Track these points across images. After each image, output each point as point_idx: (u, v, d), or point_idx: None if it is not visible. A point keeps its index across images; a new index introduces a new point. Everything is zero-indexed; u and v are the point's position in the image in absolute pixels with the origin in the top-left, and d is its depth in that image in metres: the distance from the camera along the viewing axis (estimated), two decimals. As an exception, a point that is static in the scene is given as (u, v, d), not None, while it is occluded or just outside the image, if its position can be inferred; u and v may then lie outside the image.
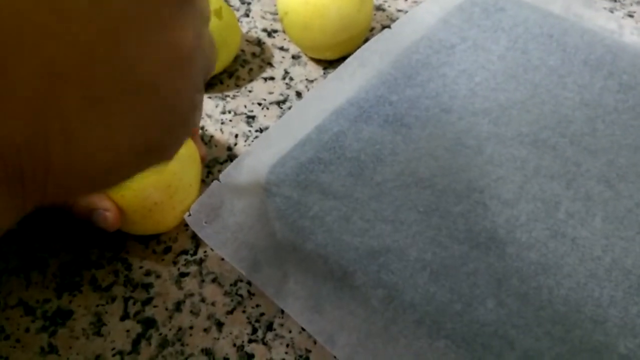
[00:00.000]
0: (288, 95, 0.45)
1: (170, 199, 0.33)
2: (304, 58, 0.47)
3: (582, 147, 0.37)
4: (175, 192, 0.34)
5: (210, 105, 0.44)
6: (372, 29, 0.49)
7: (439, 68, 0.42)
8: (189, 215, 0.33)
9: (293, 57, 0.48)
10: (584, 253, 0.32)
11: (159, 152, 0.21)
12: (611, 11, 0.50)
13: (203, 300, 0.34)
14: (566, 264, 0.32)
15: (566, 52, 0.42)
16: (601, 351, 0.28)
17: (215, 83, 0.46)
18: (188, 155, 0.34)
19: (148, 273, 0.35)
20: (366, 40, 0.44)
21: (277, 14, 0.51)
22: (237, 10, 0.51)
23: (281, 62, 0.47)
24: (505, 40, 0.43)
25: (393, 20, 0.50)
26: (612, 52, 0.42)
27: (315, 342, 0.32)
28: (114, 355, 0.31)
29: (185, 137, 0.22)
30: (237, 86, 0.46)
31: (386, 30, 0.43)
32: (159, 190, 0.33)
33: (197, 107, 0.22)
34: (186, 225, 0.36)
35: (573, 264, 0.32)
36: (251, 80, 0.46)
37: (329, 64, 0.47)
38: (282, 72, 0.46)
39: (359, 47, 0.42)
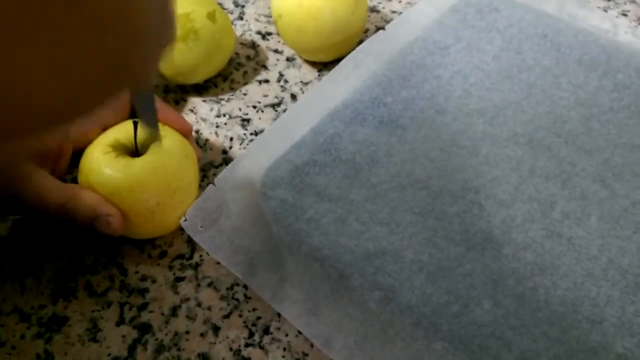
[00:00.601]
0: (283, 98, 0.45)
1: (170, 200, 0.33)
2: (299, 60, 0.47)
3: (577, 146, 0.37)
4: (175, 192, 0.33)
5: (205, 108, 0.44)
6: (366, 31, 0.49)
7: (434, 69, 0.42)
8: (185, 220, 0.33)
9: (287, 59, 0.48)
10: (580, 253, 0.32)
11: (125, 72, 0.18)
12: (605, 10, 0.50)
13: (199, 304, 0.34)
14: (562, 264, 0.32)
15: (560, 52, 0.42)
16: (598, 351, 0.28)
17: (210, 86, 0.46)
18: (185, 155, 0.34)
19: (144, 278, 0.35)
20: (360, 42, 0.43)
21: (271, 16, 0.51)
22: (231, 13, 0.51)
23: (276, 64, 0.47)
24: (500, 41, 0.43)
25: (387, 22, 0.50)
26: (607, 52, 0.42)
27: (312, 346, 0.32)
28: (110, 361, 0.31)
29: (159, 54, 0.19)
30: (232, 89, 0.45)
31: (380, 31, 0.43)
32: (159, 191, 0.33)
33: (167, 17, 0.19)
34: (182, 229, 0.36)
35: (569, 264, 0.32)
36: (246, 83, 0.46)
37: (324, 66, 0.47)
38: (277, 75, 0.46)
39: (353, 49, 0.42)
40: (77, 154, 0.35)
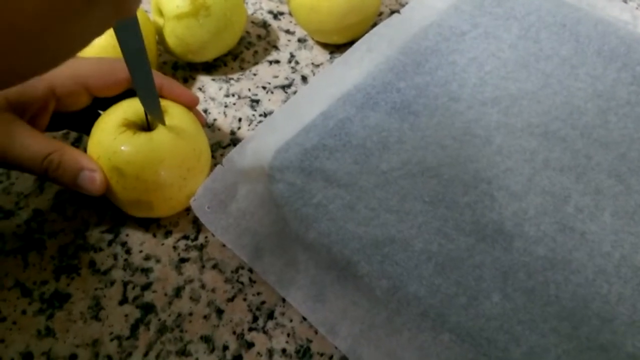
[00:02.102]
0: (293, 80, 0.44)
1: (198, 163, 0.33)
2: (310, 42, 0.46)
3: (593, 139, 0.36)
4: (200, 155, 0.33)
5: (213, 87, 0.43)
6: (380, 14, 0.48)
7: (449, 55, 0.41)
8: (194, 200, 0.33)
9: (299, 40, 0.47)
10: (593, 248, 0.31)
11: None
12: (625, 1, 0.49)
13: (203, 286, 0.33)
14: (574, 259, 0.31)
15: (579, 42, 0.41)
16: (608, 349, 0.28)
17: (219, 65, 0.45)
18: (193, 120, 0.34)
19: (148, 257, 0.34)
20: (374, 24, 0.43)
21: (283, -5, 0.50)
22: (243, -10, 0.50)
23: (287, 45, 0.46)
24: (517, 29, 0.42)
25: (402, 5, 0.49)
26: (626, 44, 0.41)
27: (316, 332, 0.31)
28: (111, 340, 0.31)
29: None
30: (242, 69, 0.45)
31: (395, 15, 0.42)
32: (188, 156, 0.32)
33: None
34: (187, 209, 0.35)
35: (581, 260, 0.31)
36: (256, 64, 0.45)
37: (336, 48, 0.46)
38: (288, 56, 0.45)
39: (366, 31, 0.41)
40: (59, 115, 0.34)
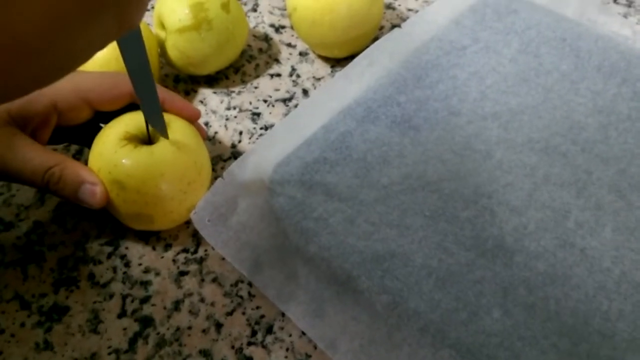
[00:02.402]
0: (294, 93, 0.44)
1: (199, 176, 0.33)
2: (312, 55, 0.47)
3: (593, 154, 0.36)
4: (201, 169, 0.33)
5: (215, 100, 0.43)
6: (381, 28, 0.49)
7: (449, 70, 0.41)
8: (195, 213, 0.33)
9: (300, 54, 0.47)
10: (593, 264, 0.31)
11: (109, 1, 0.17)
12: (625, 17, 0.49)
13: (202, 300, 0.33)
14: (575, 274, 0.31)
15: (579, 57, 0.42)
16: (609, 366, 0.28)
17: (221, 78, 0.45)
18: (195, 134, 0.34)
19: (147, 270, 0.34)
20: (375, 39, 0.43)
21: (285, 9, 0.50)
22: (245, 4, 0.51)
23: (288, 58, 0.46)
24: (517, 43, 0.42)
25: (403, 20, 0.49)
26: (626, 59, 0.41)
27: (315, 347, 0.31)
28: (109, 354, 0.31)
29: None
30: (243, 82, 0.45)
31: (396, 29, 0.42)
32: (188, 170, 0.32)
33: None
34: (187, 222, 0.35)
35: (582, 275, 0.31)
36: (257, 77, 0.45)
37: (337, 62, 0.46)
38: (289, 69, 0.46)
39: (367, 45, 0.42)
40: (60, 129, 0.34)
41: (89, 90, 0.33)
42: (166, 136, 0.32)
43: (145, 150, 0.32)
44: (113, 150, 0.32)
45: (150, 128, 0.32)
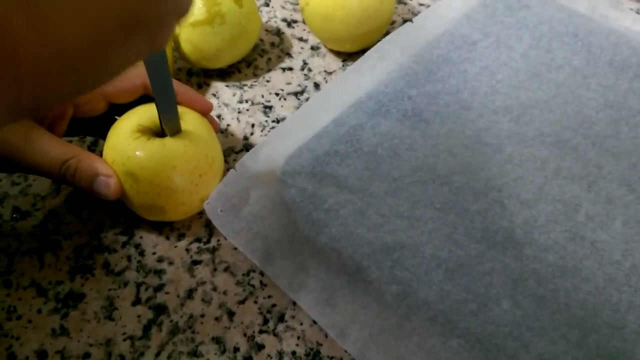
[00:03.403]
0: (306, 87, 0.44)
1: (210, 169, 0.34)
2: (323, 49, 0.47)
3: (604, 149, 0.36)
4: (213, 161, 0.34)
5: (227, 93, 0.44)
6: (392, 22, 0.49)
7: (460, 64, 0.41)
8: (208, 203, 0.33)
9: (312, 48, 0.47)
10: (603, 257, 0.31)
11: (143, 26, 0.19)
12: (638, 12, 0.49)
13: (215, 289, 0.34)
14: (585, 267, 0.31)
15: (591, 52, 0.42)
16: (618, 357, 0.28)
17: (233, 72, 0.45)
18: (207, 126, 0.35)
19: (161, 259, 0.35)
20: (386, 33, 0.43)
21: (297, 4, 0.50)
22: (258, -1, 0.51)
23: (300, 53, 0.47)
24: (529, 38, 0.43)
25: (414, 14, 0.50)
26: (638, 55, 0.41)
27: (326, 336, 0.32)
28: (124, 340, 0.31)
29: (175, 15, 0.20)
30: (255, 75, 0.45)
31: (408, 23, 0.43)
32: (200, 162, 0.33)
33: None
34: (200, 213, 0.36)
35: (592, 268, 0.31)
36: (269, 70, 0.46)
37: (348, 56, 0.46)
38: (301, 63, 0.46)
39: (379, 40, 0.42)
40: (76, 121, 0.35)
41: (107, 86, 0.34)
42: (179, 131, 0.33)
43: (157, 142, 0.32)
44: (126, 143, 0.32)
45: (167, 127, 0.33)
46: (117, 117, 0.35)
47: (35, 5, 0.16)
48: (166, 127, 0.32)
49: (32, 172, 0.32)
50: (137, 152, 0.32)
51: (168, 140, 0.32)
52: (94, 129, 0.37)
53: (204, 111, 0.36)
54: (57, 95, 0.19)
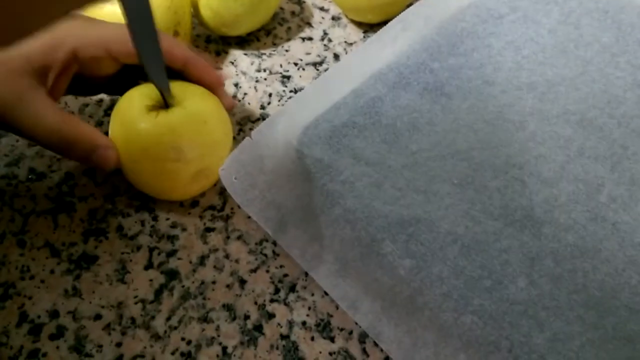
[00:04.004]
0: (325, 57, 0.44)
1: (226, 137, 0.34)
2: (344, 20, 0.46)
3: (630, 129, 0.35)
4: (227, 125, 0.34)
5: (245, 62, 0.43)
6: (416, -5, 0.48)
7: (485, 38, 0.40)
8: (223, 169, 0.33)
9: (333, 18, 0.46)
10: (624, 239, 0.31)
11: None
12: (672, -9, 0.47)
13: (227, 256, 0.33)
14: (605, 248, 0.30)
15: (621, 29, 0.40)
16: (634, 340, 0.27)
17: (252, 40, 0.45)
18: (211, 109, 0.33)
19: (174, 225, 0.35)
20: (410, 4, 0.42)
21: (319, -27, 0.49)
22: (279, -33, 0.50)
23: (320, 22, 0.46)
24: (557, 14, 0.41)
25: (439, -13, 0.48)
26: (671, 33, 0.40)
27: (337, 307, 0.31)
28: (136, 303, 0.32)
29: None
30: (274, 45, 0.44)
31: (432, -6, 0.41)
32: (222, 122, 0.34)
33: None
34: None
35: (612, 249, 0.30)
36: (289, 40, 0.45)
37: (370, 27, 0.45)
38: (321, 33, 0.45)
39: (402, 11, 0.41)
40: (78, 81, 0.34)
41: (110, 42, 0.33)
42: (168, 92, 0.31)
43: (176, 110, 0.31)
44: (151, 125, 0.31)
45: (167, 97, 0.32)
46: (141, 82, 0.34)
47: None
48: (152, 78, 0.30)
49: (22, 136, 0.31)
50: (170, 127, 0.31)
51: (178, 106, 0.32)
52: (111, 87, 0.37)
53: (213, 86, 0.35)
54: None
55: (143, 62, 0.29)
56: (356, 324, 0.30)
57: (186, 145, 0.31)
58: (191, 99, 0.32)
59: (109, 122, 0.33)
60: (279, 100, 0.41)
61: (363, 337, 0.31)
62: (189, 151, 0.31)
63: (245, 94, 0.41)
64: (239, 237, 0.34)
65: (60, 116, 0.31)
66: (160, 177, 0.32)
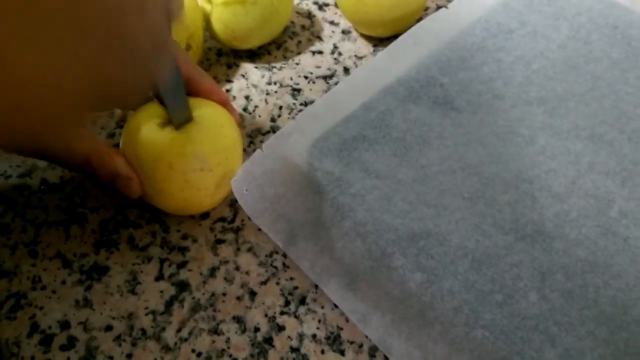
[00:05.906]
0: (335, 71, 0.44)
1: (240, 140, 0.35)
2: (354, 34, 0.46)
3: (641, 145, 0.35)
4: (238, 139, 0.34)
5: (256, 75, 0.44)
6: (426, 9, 0.48)
7: (495, 52, 0.40)
8: (234, 180, 0.33)
9: (343, 32, 0.47)
10: (636, 254, 0.31)
11: (116, 90, 0.19)
12: (681, 6, 0.47)
13: (237, 268, 0.34)
14: (616, 263, 0.30)
15: (631, 45, 0.40)
16: (647, 357, 0.27)
17: (263, 53, 0.45)
18: (221, 122, 0.34)
19: (185, 237, 0.35)
20: (420, 19, 0.42)
21: (329, -13, 0.50)
22: (290, -19, 0.51)
23: (331, 36, 0.46)
24: (567, 29, 0.41)
25: (448, 0, 0.49)
26: (681, 49, 0.40)
27: (347, 320, 0.31)
28: (146, 315, 0.32)
29: (151, 79, 0.20)
30: (285, 58, 0.45)
31: (443, 9, 0.42)
32: (234, 133, 0.34)
33: (160, 47, 0.20)
34: (225, 192, 0.36)
35: (623, 265, 0.30)
36: (299, 53, 0.45)
37: (379, 41, 0.46)
38: (331, 47, 0.46)
39: (411, 26, 0.41)
40: None
41: None
42: (190, 116, 0.32)
43: (191, 125, 0.32)
44: (175, 142, 0.31)
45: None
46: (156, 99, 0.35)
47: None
48: (176, 119, 0.32)
49: (47, 160, 0.32)
50: (189, 137, 0.31)
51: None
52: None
53: (219, 103, 0.35)
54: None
55: (167, 107, 0.31)
56: (366, 337, 0.30)
57: (208, 152, 0.32)
58: (199, 109, 0.33)
59: (120, 134, 0.33)
60: (290, 113, 0.41)
61: (373, 351, 0.31)
62: (212, 157, 0.32)
63: (255, 106, 0.42)
64: (249, 249, 0.34)
65: (90, 142, 0.32)
66: (186, 192, 0.32)
